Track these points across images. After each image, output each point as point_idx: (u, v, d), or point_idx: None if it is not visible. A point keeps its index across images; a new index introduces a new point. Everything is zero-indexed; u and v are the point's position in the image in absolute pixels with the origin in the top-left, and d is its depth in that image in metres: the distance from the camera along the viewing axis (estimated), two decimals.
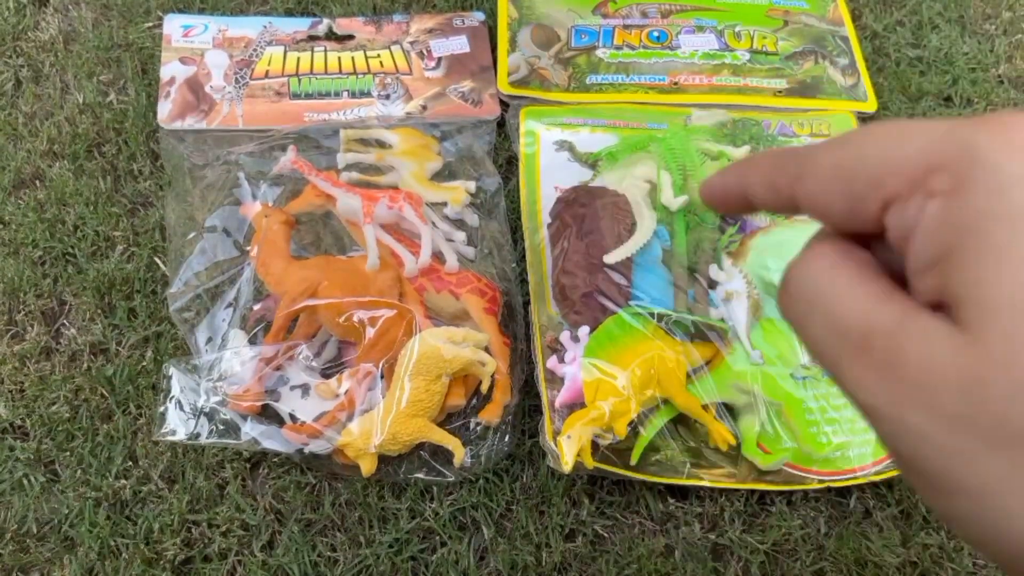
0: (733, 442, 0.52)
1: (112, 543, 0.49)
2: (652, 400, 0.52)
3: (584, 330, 0.53)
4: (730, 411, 0.54)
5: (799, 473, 0.52)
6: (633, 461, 0.51)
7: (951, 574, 0.51)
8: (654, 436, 0.52)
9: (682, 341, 0.54)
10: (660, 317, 0.54)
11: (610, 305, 0.54)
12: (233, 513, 0.50)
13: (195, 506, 0.50)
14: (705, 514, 0.52)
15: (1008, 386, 0.16)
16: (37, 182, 0.63)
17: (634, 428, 0.52)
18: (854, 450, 0.52)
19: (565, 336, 0.54)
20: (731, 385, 0.53)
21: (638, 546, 0.50)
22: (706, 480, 0.51)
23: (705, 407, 0.53)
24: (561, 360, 0.53)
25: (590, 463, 0.50)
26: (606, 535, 0.51)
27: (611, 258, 0.55)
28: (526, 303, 0.58)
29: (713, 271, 0.57)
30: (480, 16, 0.74)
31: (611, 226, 0.57)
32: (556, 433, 0.50)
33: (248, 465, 0.52)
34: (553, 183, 0.63)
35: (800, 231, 0.58)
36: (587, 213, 0.57)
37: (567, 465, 0.48)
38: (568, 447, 0.49)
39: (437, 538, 0.50)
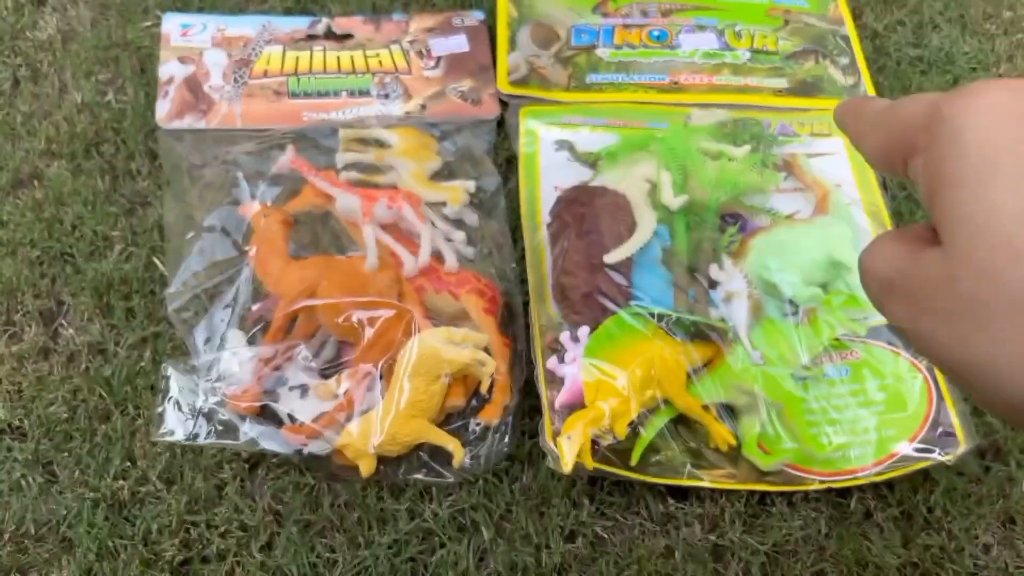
0: (733, 443, 0.52)
1: (110, 544, 0.49)
2: (652, 400, 0.52)
3: (584, 330, 0.53)
4: (730, 412, 0.54)
5: (799, 474, 0.52)
6: (633, 462, 0.51)
7: (952, 575, 0.50)
8: (654, 437, 0.52)
9: (682, 341, 0.54)
10: (660, 317, 0.53)
11: (610, 305, 0.54)
12: (232, 514, 0.50)
13: (193, 507, 0.50)
14: (705, 515, 0.52)
15: (972, 274, 0.21)
16: (35, 181, 0.63)
17: (634, 428, 0.52)
18: (855, 451, 0.52)
19: (565, 336, 0.54)
20: (731, 385, 0.53)
21: (638, 547, 0.50)
22: (706, 481, 0.51)
23: (705, 407, 0.52)
24: (561, 360, 0.53)
25: (590, 464, 0.50)
26: (606, 536, 0.51)
27: (611, 258, 0.55)
28: (526, 303, 0.57)
29: (713, 271, 0.57)
30: (479, 15, 0.74)
31: (611, 226, 0.56)
32: (556, 434, 0.50)
33: (247, 466, 0.52)
34: (553, 183, 0.63)
35: (800, 231, 0.58)
36: (587, 213, 0.57)
37: (567, 466, 0.48)
38: (568, 448, 0.48)
39: (436, 539, 0.50)
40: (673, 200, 0.59)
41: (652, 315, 0.53)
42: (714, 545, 0.51)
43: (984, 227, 0.21)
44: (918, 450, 0.52)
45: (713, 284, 0.57)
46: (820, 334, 0.54)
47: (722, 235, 0.59)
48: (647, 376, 0.51)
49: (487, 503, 0.51)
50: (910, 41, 0.76)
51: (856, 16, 0.77)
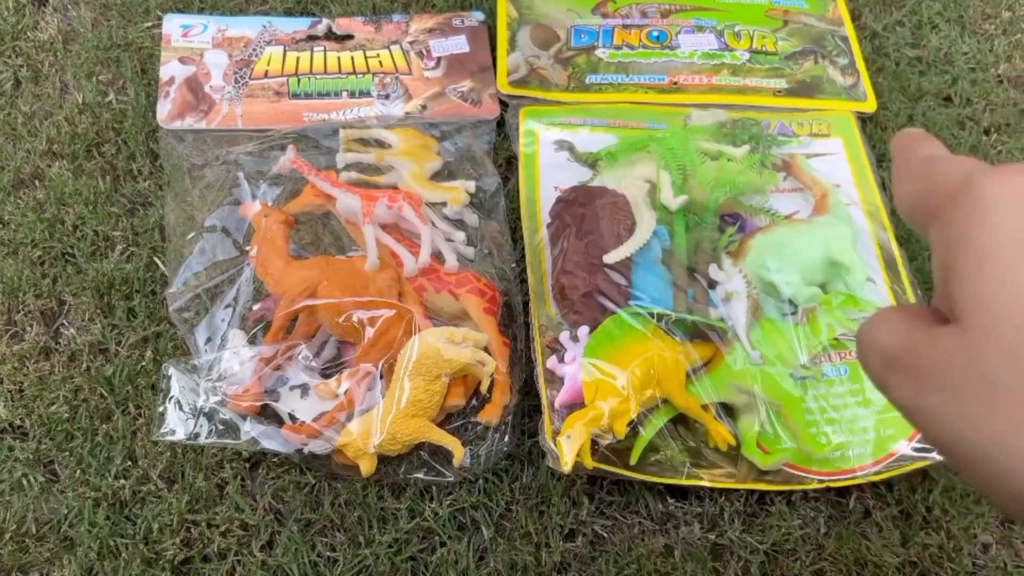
0: (733, 442, 0.52)
1: (111, 543, 0.49)
2: (652, 400, 0.52)
3: (584, 330, 0.53)
4: (729, 411, 0.54)
5: (799, 473, 0.52)
6: (633, 461, 0.51)
7: (950, 574, 0.51)
8: (653, 436, 0.52)
9: (681, 341, 0.54)
10: (660, 317, 0.53)
11: (610, 305, 0.54)
12: (232, 513, 0.50)
13: (194, 506, 0.50)
14: (705, 514, 0.52)
15: (993, 354, 0.20)
16: (36, 182, 0.63)
17: (634, 428, 0.52)
18: (853, 450, 0.52)
19: (564, 336, 0.54)
20: (730, 385, 0.53)
21: (638, 546, 0.50)
22: (706, 480, 0.51)
23: (705, 407, 0.53)
24: (561, 360, 0.53)
25: (589, 463, 0.50)
26: (606, 535, 0.51)
27: (611, 258, 0.55)
28: (525, 303, 0.58)
29: (713, 271, 0.57)
30: (480, 16, 0.74)
31: (611, 226, 0.57)
32: (556, 433, 0.50)
33: (247, 465, 0.52)
34: (553, 183, 0.63)
35: (799, 231, 0.58)
36: (587, 213, 0.57)
37: (567, 465, 0.48)
38: (568, 447, 0.49)
39: (436, 538, 0.50)
40: (672, 200, 0.59)
41: (651, 315, 0.53)
42: (713, 544, 0.51)
43: (1010, 307, 0.21)
44: (916, 449, 0.52)
45: (712, 284, 0.57)
46: (819, 334, 0.54)
47: (721, 235, 0.59)
48: (646, 375, 0.52)
49: (487, 502, 0.51)
50: (909, 41, 0.76)
51: (855, 17, 0.77)
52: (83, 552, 0.48)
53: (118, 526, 0.49)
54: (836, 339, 0.55)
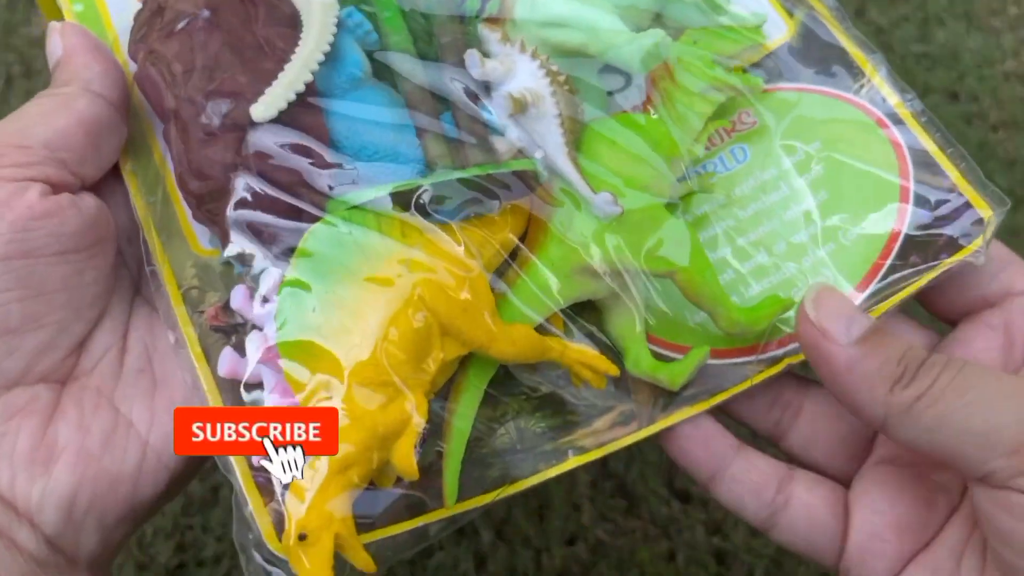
0: (615, 370, 0.29)
1: None
2: (446, 371, 0.28)
3: (270, 274, 0.26)
4: (586, 315, 0.30)
5: (733, 360, 0.30)
6: (449, 501, 0.28)
7: None
8: (478, 436, 0.29)
9: (461, 226, 0.28)
10: (405, 198, 0.27)
11: (302, 204, 0.27)
12: (227, 517, 0.49)
13: (189, 510, 0.50)
14: (709, 519, 0.51)
15: None
16: None
17: (430, 446, 0.28)
18: (798, 291, 0.31)
19: (239, 296, 0.27)
20: (572, 271, 0.29)
21: (640, 551, 0.50)
22: (592, 449, 0.29)
23: (541, 330, 0.29)
24: (240, 352, 0.27)
25: (370, 566, 0.25)
26: (607, 540, 0.50)
27: (261, 110, 0.27)
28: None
29: (472, 62, 0.29)
30: None
31: (245, 37, 0.28)
32: (278, 526, 0.26)
33: None
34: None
35: None
36: (196, 27, 0.28)
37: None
38: (313, 556, 0.23)
39: (435, 542, 0.50)
40: None
41: (391, 201, 0.27)
42: (717, 549, 0.50)
43: None
44: (919, 237, 0.31)
45: (481, 91, 0.30)
46: (692, 112, 0.31)
47: None
48: (415, 333, 0.26)
49: None
50: (915, 37, 0.75)
51: (860, 12, 0.77)
52: None
53: None
54: (719, 109, 0.32)
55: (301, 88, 0.27)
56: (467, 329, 0.26)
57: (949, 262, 0.30)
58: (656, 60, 0.29)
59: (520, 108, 0.29)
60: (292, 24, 0.28)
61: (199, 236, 0.30)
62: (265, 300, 0.26)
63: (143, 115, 0.32)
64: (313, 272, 0.26)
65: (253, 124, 0.27)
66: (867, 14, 0.77)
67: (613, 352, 0.30)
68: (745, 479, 0.30)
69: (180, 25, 0.29)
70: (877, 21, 0.76)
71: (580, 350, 0.29)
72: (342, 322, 0.25)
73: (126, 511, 0.27)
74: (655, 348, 0.30)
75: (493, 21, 0.31)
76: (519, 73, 0.29)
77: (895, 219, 0.31)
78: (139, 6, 0.31)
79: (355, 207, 0.27)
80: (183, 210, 0.30)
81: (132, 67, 0.31)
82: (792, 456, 0.32)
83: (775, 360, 0.30)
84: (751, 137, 0.33)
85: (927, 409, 0.24)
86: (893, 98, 0.34)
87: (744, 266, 0.32)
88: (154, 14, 0.30)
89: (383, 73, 0.29)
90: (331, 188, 0.27)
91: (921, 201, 0.31)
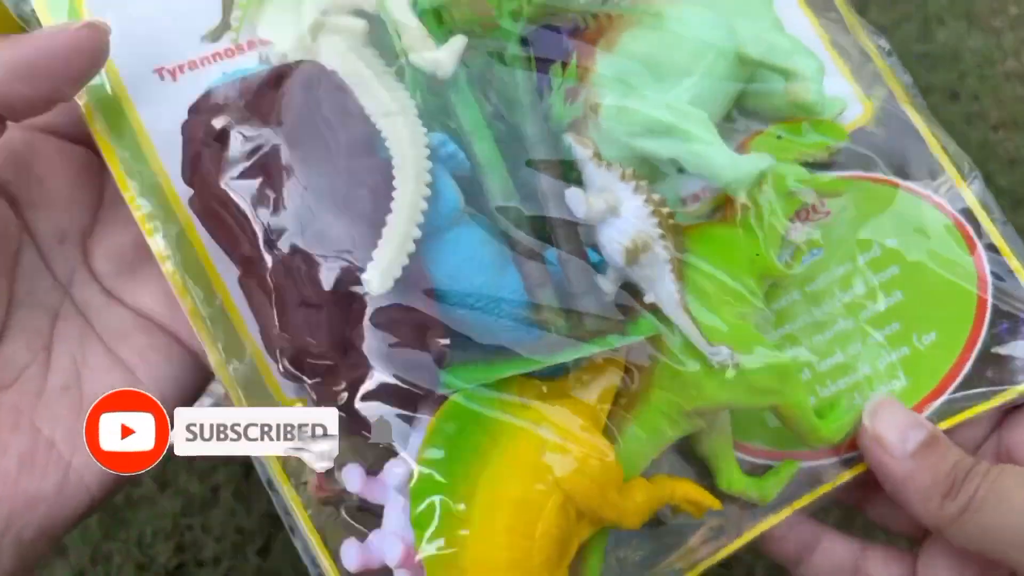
0: (718, 505, 0.29)
1: (104, 548, 0.48)
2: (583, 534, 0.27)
3: (398, 470, 0.24)
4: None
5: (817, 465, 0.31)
6: None
7: None
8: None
9: (572, 379, 0.27)
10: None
11: (415, 375, 0.24)
12: (227, 517, 0.49)
13: (188, 510, 0.50)
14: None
15: None
16: None
17: None
18: (859, 396, 0.31)
19: (353, 474, 0.26)
20: (682, 414, 0.28)
21: None
22: (688, 571, 0.31)
23: (649, 477, 0.28)
24: (364, 543, 0.26)
25: None
26: None
27: (378, 281, 0.23)
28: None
29: (576, 202, 0.26)
30: None
31: (331, 173, 0.25)
32: None
33: (242, 469, 0.51)
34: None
35: (672, 18, 0.29)
36: (270, 165, 0.25)
37: None
38: None
39: None
40: (423, 43, 0.26)
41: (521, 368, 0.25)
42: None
43: None
44: (995, 353, 0.31)
45: (576, 228, 0.27)
46: (778, 219, 0.29)
47: (553, 95, 0.28)
48: (562, 531, 0.25)
49: None
50: (916, 36, 0.75)
51: (862, 12, 0.76)
52: (75, 557, 0.48)
53: (110, 530, 0.49)
54: (790, 195, 0.30)
55: (412, 248, 0.23)
56: (605, 512, 0.26)
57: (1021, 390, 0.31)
58: (752, 176, 0.28)
59: (634, 259, 0.26)
60: (370, 148, 0.24)
61: (282, 386, 0.27)
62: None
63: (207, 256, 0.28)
64: (447, 468, 0.24)
65: (365, 293, 0.23)
66: (868, 14, 0.77)
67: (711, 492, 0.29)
68: (826, 563, 0.33)
69: (251, 157, 0.25)
70: (878, 21, 0.76)
71: (687, 489, 0.29)
72: (492, 526, 0.24)
73: (45, 529, 0.27)
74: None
75: (577, 124, 0.28)
76: (624, 212, 0.26)
77: (970, 331, 0.31)
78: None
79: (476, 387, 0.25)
80: (267, 366, 0.27)
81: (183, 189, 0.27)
82: (869, 521, 0.36)
83: (853, 462, 0.31)
84: (824, 227, 0.31)
85: (971, 520, 0.27)
86: (972, 200, 0.32)
87: (820, 365, 0.31)
88: (213, 137, 0.25)
89: (475, 198, 0.26)
90: (443, 340, 0.24)
91: (999, 315, 0.31)
